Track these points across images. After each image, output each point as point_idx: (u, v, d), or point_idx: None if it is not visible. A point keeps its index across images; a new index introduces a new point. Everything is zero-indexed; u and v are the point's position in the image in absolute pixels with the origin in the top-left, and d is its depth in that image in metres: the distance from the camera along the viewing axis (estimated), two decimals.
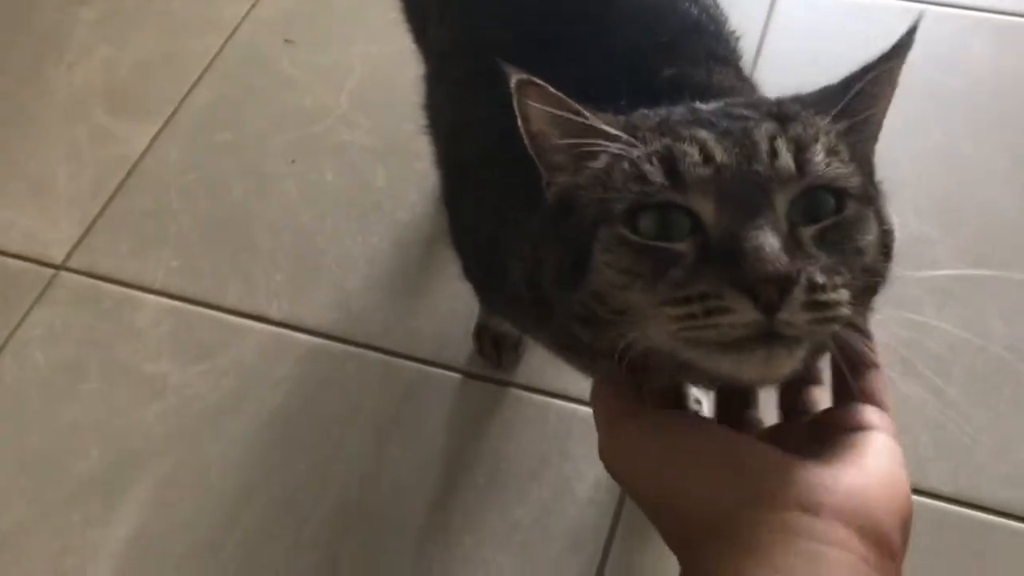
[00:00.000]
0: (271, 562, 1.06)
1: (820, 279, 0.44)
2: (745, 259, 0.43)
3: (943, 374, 1.10)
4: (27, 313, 1.27)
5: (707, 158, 0.47)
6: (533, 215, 0.56)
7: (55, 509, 1.11)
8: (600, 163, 0.50)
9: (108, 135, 1.46)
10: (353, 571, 1.04)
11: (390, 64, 1.49)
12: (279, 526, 1.08)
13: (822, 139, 0.48)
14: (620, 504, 1.05)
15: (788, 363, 0.45)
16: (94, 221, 1.36)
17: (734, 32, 0.81)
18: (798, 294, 0.43)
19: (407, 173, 1.36)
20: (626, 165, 0.48)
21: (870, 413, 0.48)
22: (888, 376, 0.52)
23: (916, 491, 1.02)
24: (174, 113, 1.48)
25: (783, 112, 0.50)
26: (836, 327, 0.45)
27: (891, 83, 0.51)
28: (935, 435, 1.06)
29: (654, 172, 0.47)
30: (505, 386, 1.15)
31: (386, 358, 1.19)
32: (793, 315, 0.43)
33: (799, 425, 0.51)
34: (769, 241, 0.43)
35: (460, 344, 1.19)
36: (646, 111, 0.53)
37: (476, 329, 1.16)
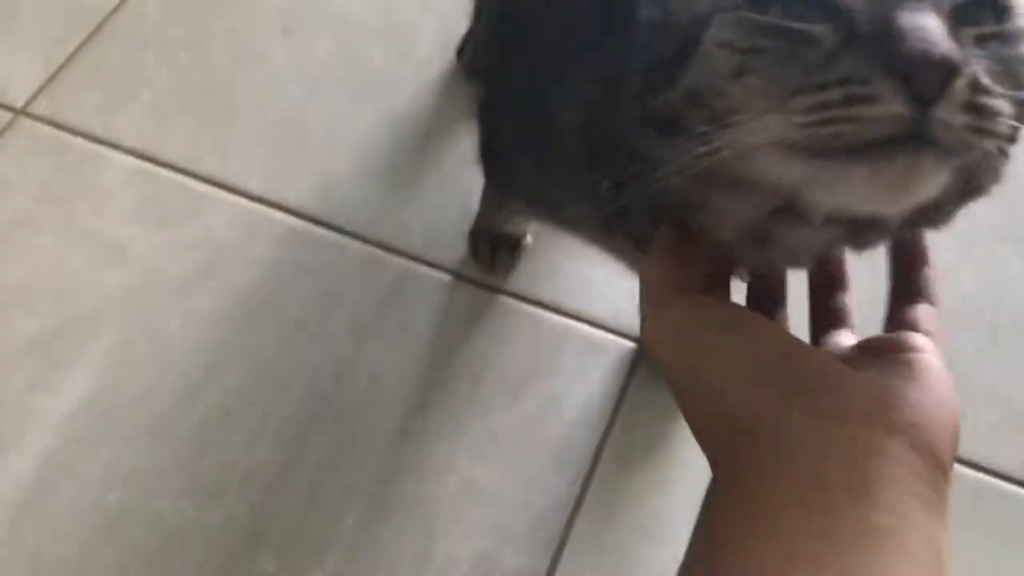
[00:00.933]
0: (229, 449, 0.98)
1: (985, 80, 0.37)
2: (903, 39, 0.36)
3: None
4: None
5: None
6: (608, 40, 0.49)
7: None
8: None
9: None
10: (318, 467, 0.98)
11: None
12: (241, 413, 1.00)
13: None
14: (609, 427, 1.00)
15: (932, 181, 0.38)
16: (61, 67, 1.25)
17: None
18: (960, 87, 0.36)
19: (407, 58, 1.27)
20: None
21: (919, 339, 0.45)
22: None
23: None
24: None
25: None
26: (995, 144, 0.38)
27: None
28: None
29: None
30: (496, 292, 1.08)
31: (370, 249, 1.11)
32: (951, 114, 0.36)
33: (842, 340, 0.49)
34: (930, 22, 0.36)
35: (450, 243, 1.11)
36: None
37: (472, 229, 1.09)
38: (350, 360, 1.04)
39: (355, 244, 1.11)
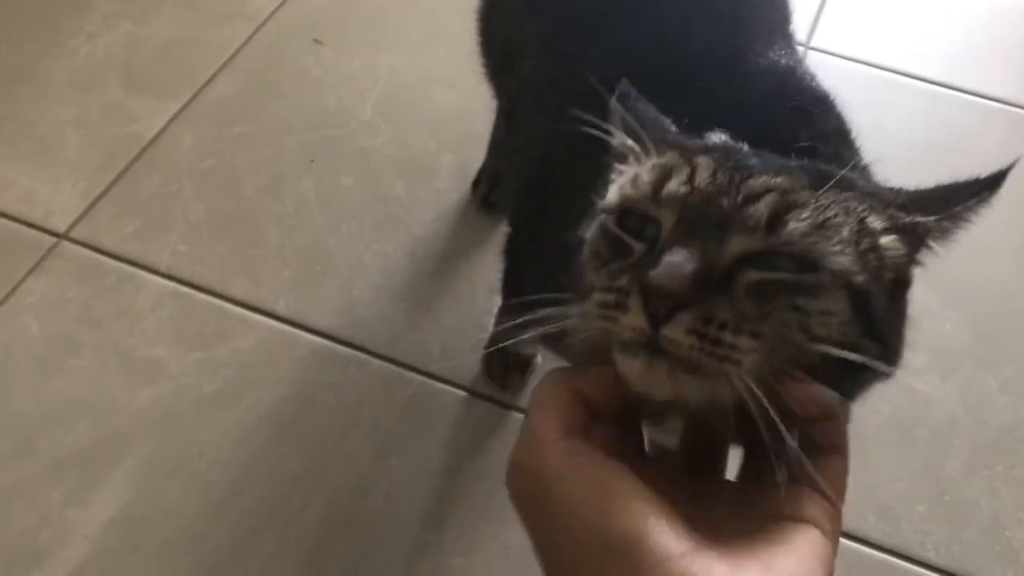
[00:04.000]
0: (254, 561, 1.03)
1: (723, 317, 0.44)
2: (656, 269, 0.44)
3: (943, 446, 1.12)
4: (23, 279, 1.24)
5: (688, 181, 0.48)
6: None
7: (34, 481, 1.07)
8: (629, 166, 0.54)
9: (123, 111, 1.44)
10: None
11: (417, 81, 1.49)
12: (265, 525, 1.05)
13: (824, 215, 0.47)
14: None
15: (669, 382, 0.45)
16: (101, 195, 1.34)
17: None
18: (686, 317, 0.43)
19: (426, 189, 1.36)
20: (639, 171, 0.51)
21: (813, 504, 0.46)
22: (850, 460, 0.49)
23: (912, 560, 1.03)
24: (193, 99, 1.46)
25: (816, 178, 0.50)
26: (728, 368, 0.44)
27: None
28: (931, 506, 1.07)
29: (646, 183, 0.49)
30: (509, 409, 1.14)
31: (390, 367, 1.17)
32: (676, 335, 0.43)
33: (736, 495, 0.49)
34: (682, 261, 0.44)
35: (465, 362, 1.18)
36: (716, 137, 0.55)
37: (487, 349, 1.15)
38: (368, 475, 1.09)
39: (376, 363, 1.18)
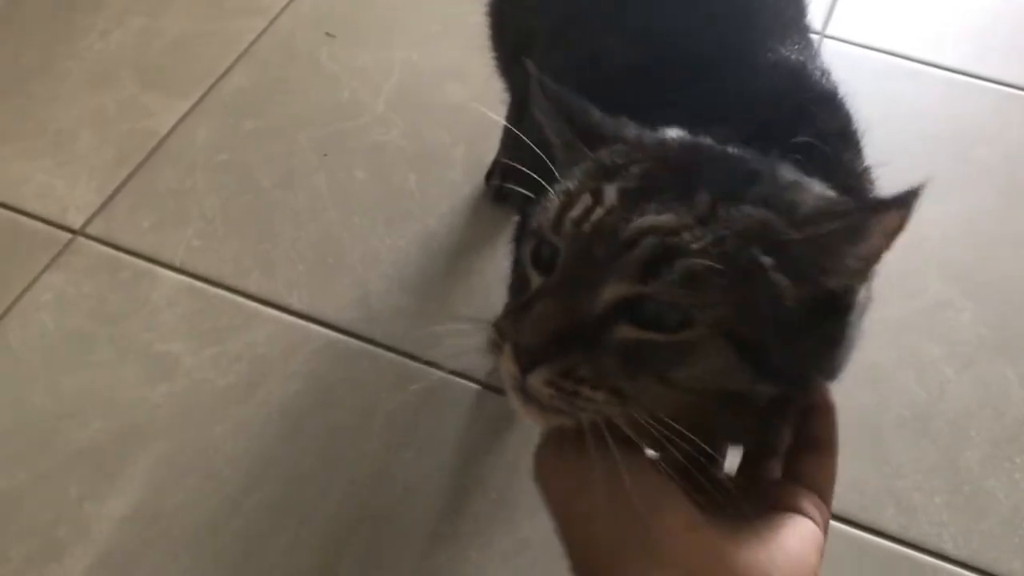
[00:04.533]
0: (270, 555, 1.03)
1: (582, 372, 0.46)
2: (520, 320, 0.47)
3: (959, 438, 1.11)
4: (39, 276, 1.24)
5: (585, 214, 0.48)
6: None
7: (51, 477, 1.08)
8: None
9: (137, 106, 1.44)
10: (354, 572, 1.02)
11: (430, 74, 1.49)
12: (281, 519, 1.06)
13: (704, 260, 0.45)
14: None
15: (545, 420, 0.48)
16: (116, 191, 1.34)
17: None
18: (544, 371, 0.46)
19: (439, 182, 1.35)
20: (552, 194, 0.51)
21: (803, 498, 0.50)
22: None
23: (930, 553, 1.02)
24: (206, 93, 1.46)
25: (705, 217, 0.47)
26: (587, 416, 0.47)
27: (867, 237, 0.47)
28: (949, 498, 1.06)
29: (551, 211, 0.50)
30: None
31: (404, 360, 1.17)
32: (537, 385, 0.46)
33: (742, 492, 0.52)
34: (547, 315, 0.46)
35: (479, 356, 1.17)
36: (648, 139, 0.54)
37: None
38: (383, 468, 1.09)
39: (389, 356, 1.18)
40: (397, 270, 1.26)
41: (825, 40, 1.54)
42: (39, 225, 1.30)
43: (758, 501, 0.50)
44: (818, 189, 0.51)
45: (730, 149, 0.54)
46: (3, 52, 1.52)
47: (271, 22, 1.56)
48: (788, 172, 0.52)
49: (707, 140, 0.55)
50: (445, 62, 1.51)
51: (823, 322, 0.49)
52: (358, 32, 1.55)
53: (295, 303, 1.22)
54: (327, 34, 1.54)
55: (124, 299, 1.23)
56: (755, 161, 0.52)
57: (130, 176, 1.36)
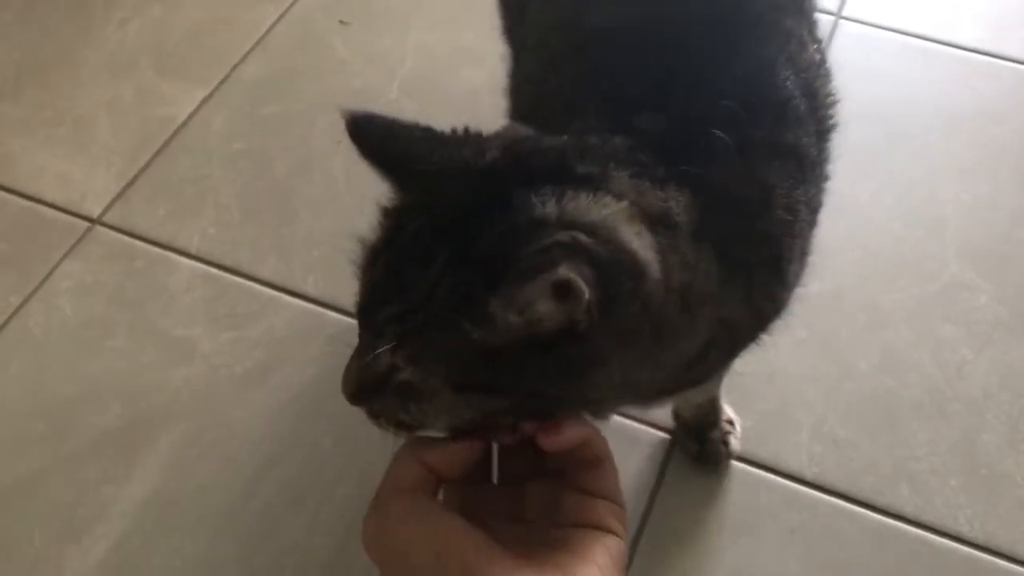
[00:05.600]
0: (288, 537, 1.04)
1: (376, 411, 0.58)
2: (348, 366, 0.58)
3: (976, 420, 1.10)
4: (58, 264, 1.26)
5: (365, 285, 0.60)
6: None
7: (71, 460, 1.09)
8: None
9: (155, 94, 1.45)
10: None
11: (445, 58, 1.49)
12: (299, 502, 1.07)
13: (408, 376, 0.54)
14: (646, 516, 1.04)
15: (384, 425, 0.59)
16: (134, 179, 1.35)
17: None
18: (363, 407, 0.58)
19: None
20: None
21: (603, 510, 0.54)
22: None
23: (945, 535, 1.02)
24: (223, 81, 1.47)
25: (419, 304, 0.53)
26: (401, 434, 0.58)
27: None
28: (965, 480, 1.06)
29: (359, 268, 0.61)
30: None
31: None
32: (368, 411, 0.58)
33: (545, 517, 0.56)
34: (350, 370, 0.57)
35: None
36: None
37: None
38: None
39: None
40: None
41: (840, 21, 1.53)
42: (58, 214, 1.31)
43: (566, 518, 0.53)
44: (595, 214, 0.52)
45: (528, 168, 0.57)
46: (22, 42, 1.53)
47: (286, 10, 1.57)
48: (550, 204, 0.52)
49: (520, 156, 0.58)
50: (460, 47, 1.51)
51: (564, 355, 0.52)
52: (372, 18, 1.56)
53: (311, 289, 1.23)
54: (341, 22, 1.54)
55: (142, 286, 1.24)
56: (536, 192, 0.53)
57: (148, 164, 1.37)
